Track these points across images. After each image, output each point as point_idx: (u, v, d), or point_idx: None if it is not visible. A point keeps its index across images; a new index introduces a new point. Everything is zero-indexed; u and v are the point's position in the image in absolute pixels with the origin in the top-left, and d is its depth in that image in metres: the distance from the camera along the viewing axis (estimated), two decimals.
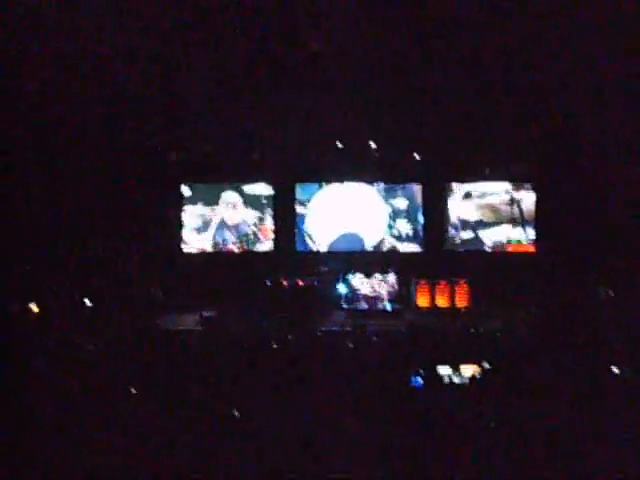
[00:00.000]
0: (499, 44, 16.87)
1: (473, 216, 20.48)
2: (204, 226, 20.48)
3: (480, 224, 20.44)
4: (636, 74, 16.69)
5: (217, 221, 20.45)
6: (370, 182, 20.49)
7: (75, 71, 16.97)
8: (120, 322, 15.51)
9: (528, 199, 20.28)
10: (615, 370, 10.19)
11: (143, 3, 16.55)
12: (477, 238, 20.42)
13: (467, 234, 20.45)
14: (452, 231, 20.50)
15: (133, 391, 9.10)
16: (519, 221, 20.37)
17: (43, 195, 17.43)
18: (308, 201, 20.53)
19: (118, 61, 17.14)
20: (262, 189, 20.51)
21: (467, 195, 20.54)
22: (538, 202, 20.11)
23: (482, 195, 20.53)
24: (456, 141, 19.49)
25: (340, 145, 19.90)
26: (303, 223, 20.55)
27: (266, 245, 20.49)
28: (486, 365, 10.80)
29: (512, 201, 20.38)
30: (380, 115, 18.96)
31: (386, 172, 20.36)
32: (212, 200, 20.43)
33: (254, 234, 20.47)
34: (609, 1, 16.10)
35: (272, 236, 20.49)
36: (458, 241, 20.48)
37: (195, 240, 20.46)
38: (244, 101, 18.61)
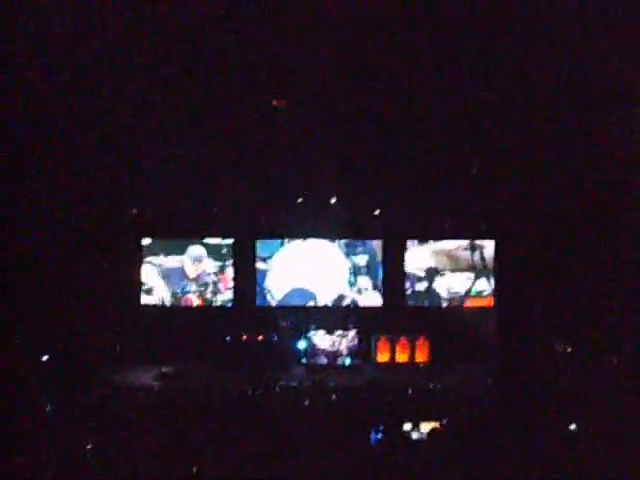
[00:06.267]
0: (454, 103, 17.14)
1: (428, 263, 20.56)
2: (164, 276, 20.44)
3: (435, 273, 20.53)
4: (586, 125, 17.05)
5: (178, 271, 20.45)
6: (331, 238, 20.60)
7: (37, 127, 16.97)
8: (77, 378, 15.33)
9: (490, 247, 20.42)
10: (572, 427, 10.25)
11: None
12: (432, 289, 20.49)
13: (421, 285, 20.52)
14: (407, 283, 20.57)
15: (89, 447, 9.00)
16: (481, 270, 20.43)
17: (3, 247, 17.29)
18: (270, 258, 20.57)
19: (81, 115, 17.16)
20: (223, 239, 20.58)
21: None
22: (497, 253, 20.29)
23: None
24: (416, 198, 19.66)
25: (300, 201, 20.01)
26: (264, 279, 20.56)
27: (226, 295, 20.46)
28: (445, 421, 10.79)
29: (473, 248, 20.47)
30: (341, 172, 19.09)
31: (347, 228, 20.48)
32: (174, 251, 20.44)
33: (214, 283, 20.44)
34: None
35: (232, 284, 20.51)
36: (410, 292, 20.55)
37: (154, 290, 20.39)
38: (205, 158, 18.68)
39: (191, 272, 20.48)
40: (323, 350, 19.15)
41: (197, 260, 20.46)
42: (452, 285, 20.49)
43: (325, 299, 20.55)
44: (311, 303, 20.53)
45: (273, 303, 20.59)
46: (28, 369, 15.87)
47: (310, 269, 20.61)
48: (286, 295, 20.57)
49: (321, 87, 17.38)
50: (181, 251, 20.45)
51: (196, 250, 20.47)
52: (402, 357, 19.09)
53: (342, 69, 17.19)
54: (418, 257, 20.61)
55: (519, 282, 19.52)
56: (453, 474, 8.16)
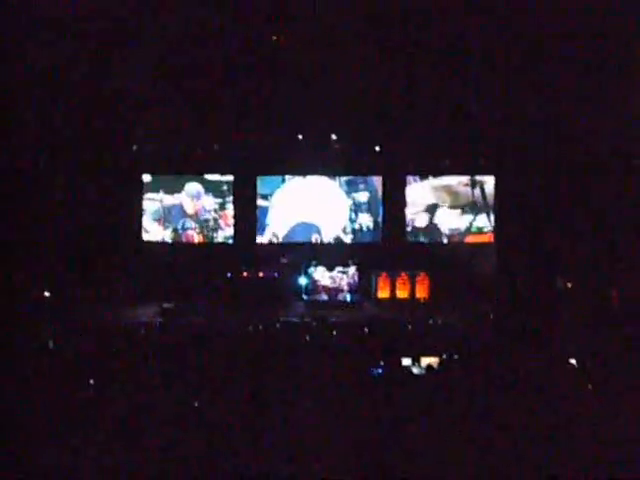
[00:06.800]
0: (457, 38, 16.98)
1: (429, 199, 20.52)
2: (164, 213, 20.41)
3: (436, 209, 20.49)
4: (589, 66, 16.92)
5: (177, 208, 20.41)
6: (332, 175, 20.54)
7: (43, 67, 16.85)
8: (79, 314, 15.41)
9: (491, 182, 20.38)
10: (573, 362, 10.29)
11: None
12: (432, 225, 20.47)
13: (422, 221, 20.49)
14: (407, 218, 20.54)
15: (91, 382, 9.05)
16: (482, 206, 20.38)
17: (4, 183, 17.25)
18: (271, 195, 20.52)
19: (84, 55, 17.03)
20: (223, 176, 20.52)
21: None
22: (497, 190, 20.25)
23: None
24: (416, 134, 19.56)
25: (301, 137, 19.90)
26: (265, 216, 20.54)
27: (227, 232, 20.46)
28: (445, 356, 10.85)
29: (473, 183, 20.41)
30: (341, 108, 18.97)
31: (347, 165, 20.41)
32: (174, 189, 20.39)
33: (214, 220, 20.42)
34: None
35: (232, 222, 20.50)
36: (410, 229, 20.53)
37: (155, 227, 20.39)
38: (205, 93, 18.55)
39: (189, 208, 20.45)
40: (324, 286, 19.22)
41: (195, 197, 20.41)
42: (452, 221, 20.48)
43: (329, 233, 20.56)
44: (316, 237, 20.55)
45: (275, 240, 20.60)
46: (30, 305, 15.96)
47: (312, 205, 20.59)
48: (291, 230, 20.58)
49: (322, 22, 17.20)
50: (180, 188, 20.40)
51: (194, 187, 20.41)
52: (402, 293, 19.15)
53: (344, 5, 17.01)
54: (418, 193, 20.56)
55: (519, 218, 19.51)
56: (453, 408, 8.20)
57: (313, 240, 20.55)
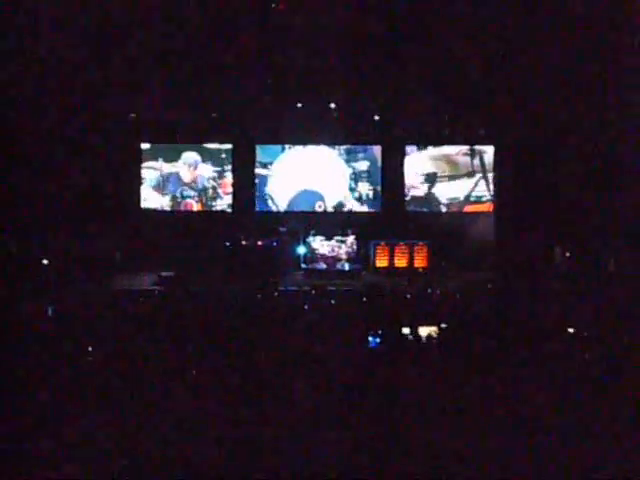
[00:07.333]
0: (458, 7, 16.88)
1: (428, 169, 20.49)
2: (163, 181, 20.41)
3: (435, 178, 20.47)
4: (588, 41, 16.86)
5: (175, 176, 20.41)
6: (331, 144, 20.50)
7: (36, 34, 16.74)
8: (78, 282, 15.42)
9: (490, 152, 20.35)
10: (570, 330, 10.32)
11: None
12: (431, 195, 20.45)
13: (421, 190, 20.47)
14: (406, 188, 20.53)
15: (90, 349, 9.07)
16: (481, 175, 20.36)
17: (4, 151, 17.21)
18: (270, 163, 20.50)
19: (78, 24, 16.92)
20: (222, 144, 20.51)
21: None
22: (496, 159, 20.24)
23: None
24: (415, 103, 19.50)
25: (300, 106, 19.82)
26: (265, 185, 20.54)
27: (225, 200, 20.45)
28: (443, 326, 10.87)
29: (473, 153, 20.38)
30: (340, 77, 18.89)
31: (347, 134, 20.37)
32: (172, 157, 20.37)
33: (213, 188, 20.42)
34: None
35: (231, 190, 20.49)
36: (409, 198, 20.52)
37: (154, 195, 20.39)
38: (204, 61, 18.47)
39: (186, 177, 20.43)
40: (322, 255, 19.24)
41: (192, 166, 20.41)
42: (451, 191, 20.47)
43: (332, 200, 20.55)
44: (320, 204, 20.53)
45: (275, 208, 20.62)
46: (29, 272, 15.97)
47: (313, 174, 20.58)
48: (294, 198, 20.59)
49: None
50: (178, 157, 20.39)
51: (190, 156, 20.39)
52: (401, 263, 19.18)
53: None
54: (417, 163, 20.53)
55: (518, 187, 19.49)
56: (451, 377, 8.23)
57: (317, 208, 20.55)
